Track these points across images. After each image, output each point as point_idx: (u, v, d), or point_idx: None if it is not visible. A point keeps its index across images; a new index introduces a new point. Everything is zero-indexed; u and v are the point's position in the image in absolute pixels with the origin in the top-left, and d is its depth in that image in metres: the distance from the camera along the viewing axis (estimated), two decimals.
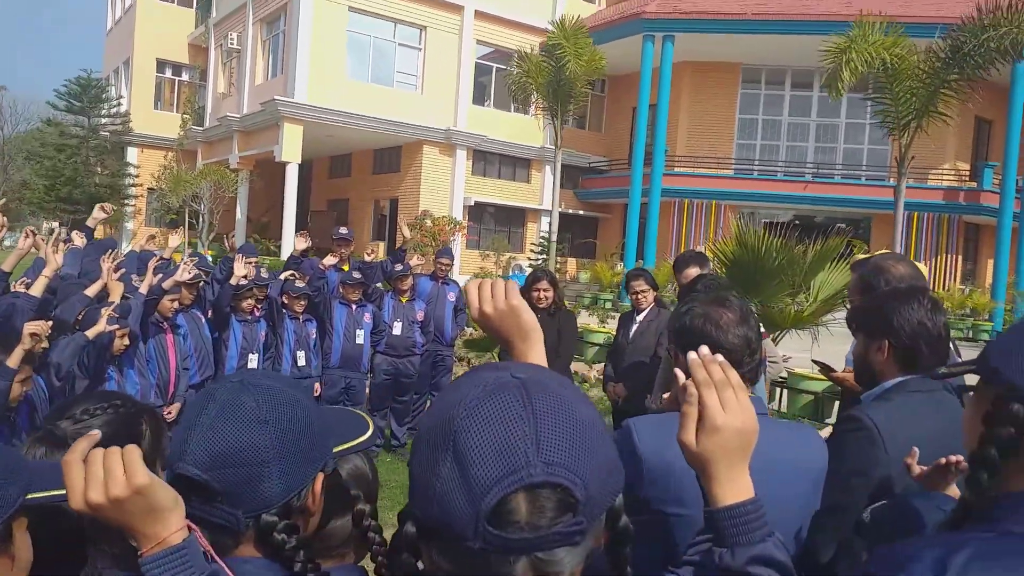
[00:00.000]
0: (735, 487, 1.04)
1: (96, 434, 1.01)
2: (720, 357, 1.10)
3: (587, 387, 8.96)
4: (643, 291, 5.39)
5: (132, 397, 1.50)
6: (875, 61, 14.38)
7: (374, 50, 22.42)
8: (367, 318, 7.06)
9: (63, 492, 0.97)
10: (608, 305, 18.21)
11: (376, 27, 22.32)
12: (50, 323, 2.98)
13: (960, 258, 21.54)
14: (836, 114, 23.18)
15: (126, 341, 4.23)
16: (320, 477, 1.08)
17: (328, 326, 6.91)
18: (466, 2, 22.93)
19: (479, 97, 24.28)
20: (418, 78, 23.00)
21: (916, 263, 3.22)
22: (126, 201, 25.80)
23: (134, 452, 0.95)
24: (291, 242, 21.18)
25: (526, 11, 24.13)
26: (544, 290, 5.71)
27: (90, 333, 3.62)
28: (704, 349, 1.13)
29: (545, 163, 25.11)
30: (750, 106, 23.63)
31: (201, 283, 5.74)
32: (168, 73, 28.49)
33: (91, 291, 4.17)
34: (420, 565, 0.79)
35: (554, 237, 20.20)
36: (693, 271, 4.30)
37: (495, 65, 24.57)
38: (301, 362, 6.56)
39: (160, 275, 4.93)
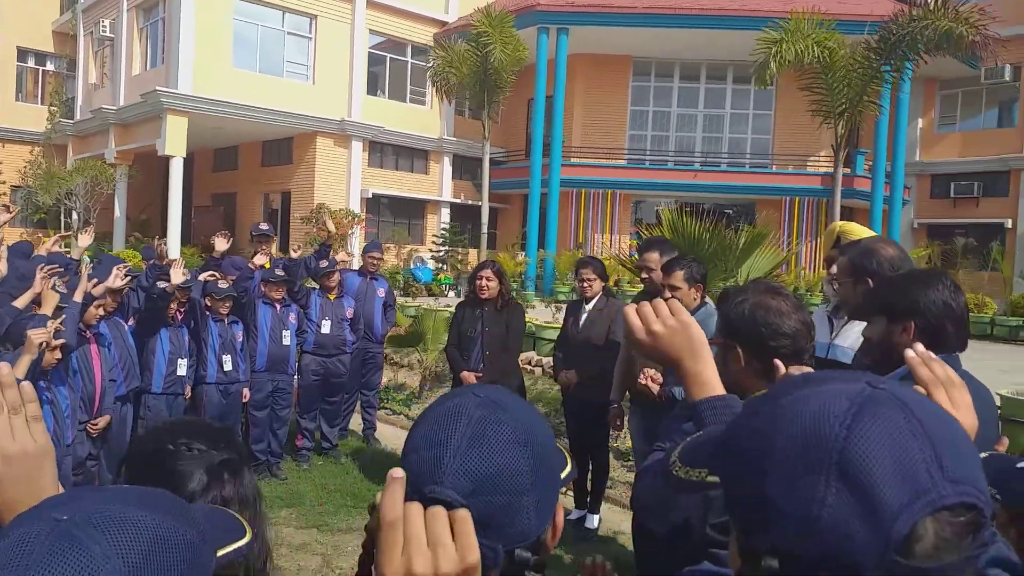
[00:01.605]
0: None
1: None
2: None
3: (534, 377, 8.98)
4: (590, 279, 5.43)
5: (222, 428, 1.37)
6: (809, 53, 15.23)
7: (262, 39, 21.56)
8: (292, 318, 6.80)
9: (241, 545, 0.85)
10: (513, 294, 18.32)
11: (264, 16, 21.48)
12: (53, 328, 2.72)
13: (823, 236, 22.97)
14: (721, 105, 24.18)
15: (58, 355, 3.88)
16: (560, 508, 0.96)
17: (252, 328, 6.61)
18: None
19: (373, 87, 23.81)
20: (309, 68, 22.31)
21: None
22: None
23: (467, 521, 0.81)
24: (178, 240, 20.18)
25: (419, 1, 23.85)
26: (488, 279, 5.63)
27: (29, 348, 3.28)
28: (920, 346, 1.13)
29: (443, 154, 24.94)
30: (641, 98, 24.30)
31: (126, 289, 5.36)
32: (31, 63, 26.33)
33: (20, 302, 3.79)
34: None
35: (484, 229, 20.13)
36: (654, 255, 4.36)
37: (388, 55, 24.17)
38: (228, 366, 6.26)
39: (95, 280, 4.56)
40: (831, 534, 0.66)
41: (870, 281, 2.70)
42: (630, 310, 1.35)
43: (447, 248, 22.40)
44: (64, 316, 3.92)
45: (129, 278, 5.38)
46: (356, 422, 7.95)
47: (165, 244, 6.28)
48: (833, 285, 3.69)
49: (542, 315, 12.51)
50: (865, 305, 2.52)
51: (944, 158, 24.65)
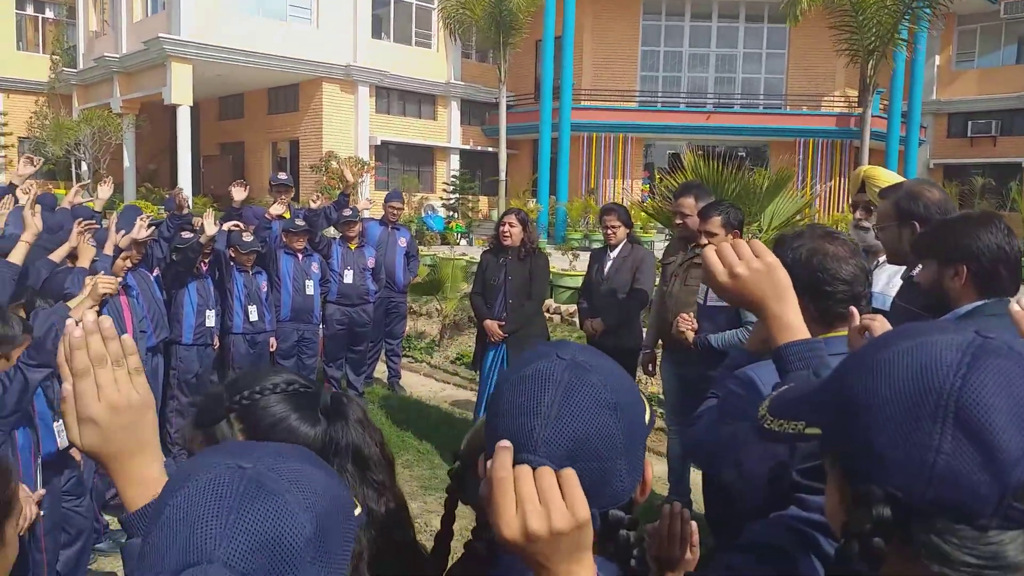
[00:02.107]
0: None
1: None
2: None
3: (553, 324, 9.00)
4: (614, 226, 5.39)
5: (301, 376, 1.35)
6: None
7: None
8: (315, 268, 6.81)
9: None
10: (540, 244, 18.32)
11: None
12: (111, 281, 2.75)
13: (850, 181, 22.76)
14: (734, 44, 23.68)
15: (96, 310, 3.91)
16: (648, 463, 0.98)
17: (275, 278, 6.63)
18: None
19: (377, 31, 23.36)
20: (312, 11, 21.86)
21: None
22: None
23: (574, 478, 0.83)
24: (189, 190, 20.09)
25: None
26: (511, 224, 5.53)
27: (73, 304, 3.30)
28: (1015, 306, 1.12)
29: (451, 99, 24.59)
30: (652, 38, 23.80)
31: (150, 240, 5.36)
32: (29, 10, 25.86)
33: (57, 255, 3.80)
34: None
35: (503, 176, 19.74)
36: (689, 201, 4.31)
37: None
38: (253, 316, 6.29)
39: (122, 232, 4.55)
40: (947, 481, 0.67)
41: (917, 225, 2.66)
42: (710, 251, 1.32)
43: (458, 196, 22.25)
44: (100, 270, 3.93)
45: (153, 228, 5.40)
46: (380, 370, 8.04)
47: (184, 194, 6.25)
48: (863, 229, 3.64)
49: (558, 262, 12.48)
50: (915, 249, 2.49)
51: (961, 96, 24.22)
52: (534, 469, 0.84)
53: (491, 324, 5.54)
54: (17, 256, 3.01)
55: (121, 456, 0.96)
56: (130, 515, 0.96)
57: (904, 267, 2.90)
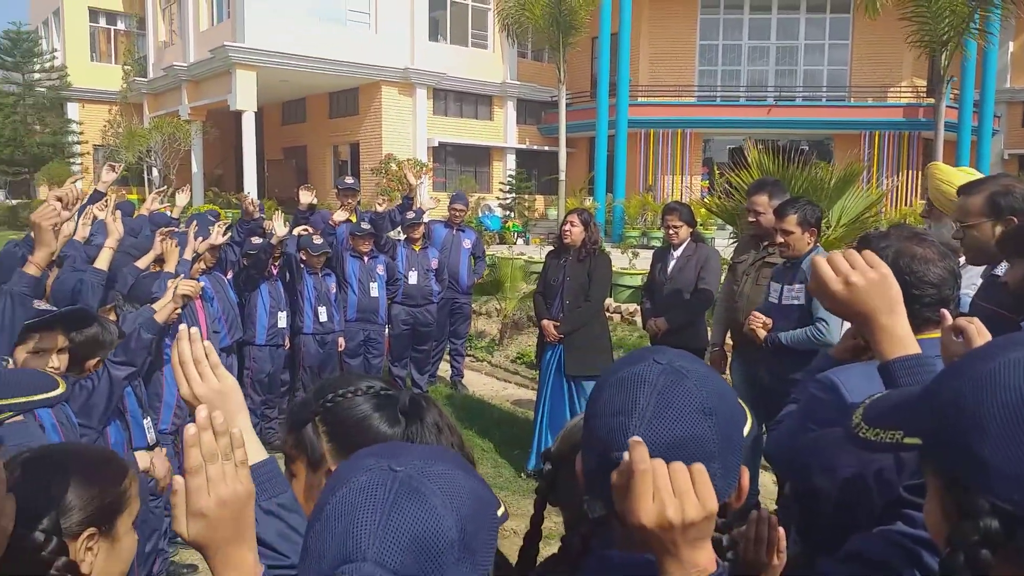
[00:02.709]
0: None
1: None
2: None
3: (613, 324, 8.97)
4: (676, 226, 5.33)
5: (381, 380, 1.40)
6: None
7: None
8: (380, 269, 6.94)
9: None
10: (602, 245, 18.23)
11: None
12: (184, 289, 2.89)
13: (920, 173, 22.04)
14: (795, 36, 23.18)
15: (178, 312, 4.07)
16: (745, 470, 0.99)
17: (342, 280, 6.79)
18: None
19: (434, 33, 23.60)
20: (370, 15, 22.20)
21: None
22: (72, 160, 24.65)
23: (704, 473, 0.88)
24: (254, 194, 20.64)
25: None
26: (572, 224, 5.47)
27: (157, 307, 3.45)
28: None
29: (507, 99, 24.68)
30: (710, 31, 23.46)
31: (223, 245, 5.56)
32: (102, 22, 26.95)
33: (142, 262, 3.97)
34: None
35: (562, 176, 19.48)
36: (763, 198, 4.23)
37: None
38: (323, 317, 6.46)
39: (200, 237, 4.74)
40: None
41: (1015, 220, 2.56)
42: (820, 260, 1.30)
43: (514, 196, 22.30)
44: (180, 274, 4.09)
45: (228, 233, 5.59)
46: (444, 369, 8.14)
47: (252, 200, 6.47)
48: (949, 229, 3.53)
49: (617, 261, 12.39)
50: (1002, 247, 2.41)
51: None
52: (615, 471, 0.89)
53: (547, 324, 5.53)
54: (103, 262, 3.16)
55: (223, 544, 1.01)
56: None
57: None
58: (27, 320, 2.44)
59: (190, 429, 1.01)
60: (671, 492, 0.87)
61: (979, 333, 1.33)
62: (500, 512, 0.88)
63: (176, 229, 4.81)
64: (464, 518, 0.78)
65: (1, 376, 1.15)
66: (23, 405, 1.12)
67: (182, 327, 1.26)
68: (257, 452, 1.21)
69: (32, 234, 2.59)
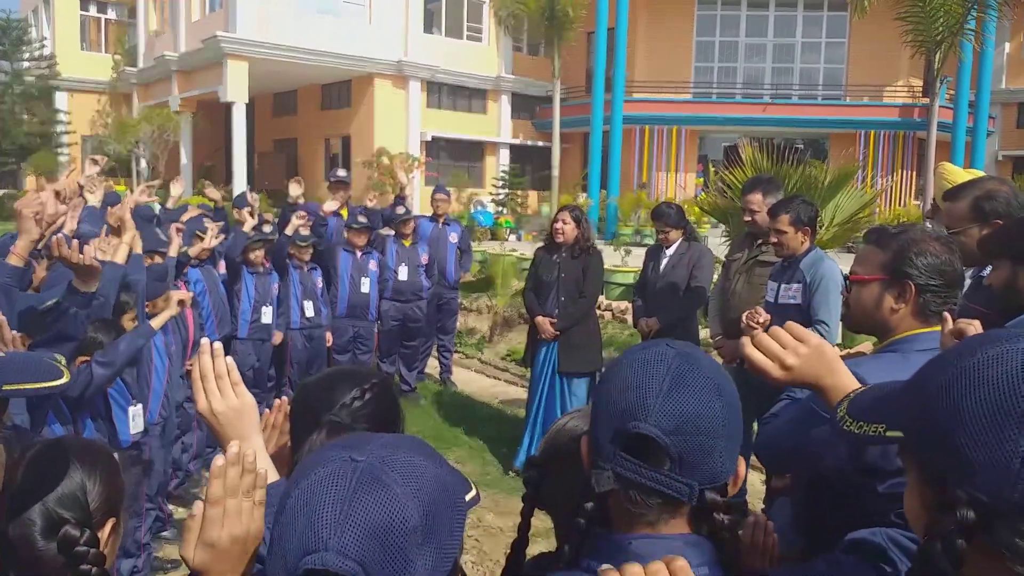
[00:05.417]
0: None
1: None
2: None
3: (604, 321, 8.89)
4: (665, 231, 5.27)
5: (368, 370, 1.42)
6: None
7: None
8: (372, 265, 6.85)
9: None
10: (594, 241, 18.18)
11: None
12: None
13: (914, 174, 22.02)
14: (792, 33, 23.13)
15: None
16: (742, 460, 1.04)
17: (333, 274, 6.68)
18: None
19: (429, 25, 23.43)
20: (365, 6, 22.01)
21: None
22: (59, 150, 24.39)
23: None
24: (244, 186, 20.47)
25: None
26: (564, 222, 5.41)
27: (155, 324, 3.50)
28: None
29: (501, 93, 24.55)
30: (707, 28, 23.39)
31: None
32: (93, 11, 26.66)
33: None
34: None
35: (555, 172, 19.44)
36: (757, 196, 4.16)
37: None
38: (309, 312, 6.36)
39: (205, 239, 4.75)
40: None
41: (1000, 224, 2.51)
42: (753, 353, 1.33)
43: (507, 191, 22.20)
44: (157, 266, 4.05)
45: (223, 237, 5.57)
46: (432, 365, 8.05)
47: (254, 195, 6.45)
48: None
49: (609, 259, 12.34)
50: (984, 249, 2.34)
51: None
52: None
53: (543, 320, 5.46)
54: (120, 256, 3.14)
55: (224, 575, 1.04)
56: None
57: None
58: (19, 313, 2.45)
59: (218, 461, 1.03)
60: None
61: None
62: (470, 496, 0.88)
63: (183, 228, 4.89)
64: (427, 504, 0.79)
65: (12, 359, 1.15)
66: (27, 392, 1.12)
67: (204, 340, 1.29)
68: (271, 473, 1.24)
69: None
